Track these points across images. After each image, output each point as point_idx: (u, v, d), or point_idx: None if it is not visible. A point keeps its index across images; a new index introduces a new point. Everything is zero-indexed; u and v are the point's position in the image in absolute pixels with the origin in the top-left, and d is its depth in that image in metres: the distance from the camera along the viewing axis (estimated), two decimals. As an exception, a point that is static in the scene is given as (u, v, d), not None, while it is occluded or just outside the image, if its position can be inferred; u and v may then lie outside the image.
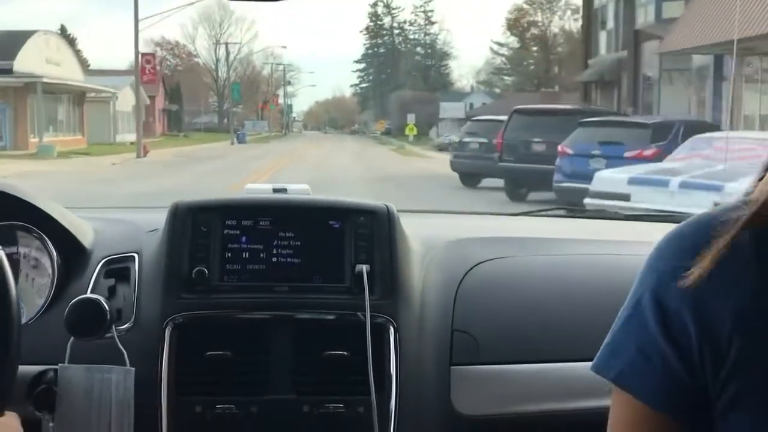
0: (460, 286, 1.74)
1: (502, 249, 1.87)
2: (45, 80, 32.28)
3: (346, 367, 1.61)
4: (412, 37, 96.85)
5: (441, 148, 53.87)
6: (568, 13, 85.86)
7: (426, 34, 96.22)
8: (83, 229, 1.80)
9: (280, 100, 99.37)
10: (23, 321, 1.25)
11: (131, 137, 52.11)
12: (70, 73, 37.58)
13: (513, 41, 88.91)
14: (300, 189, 1.85)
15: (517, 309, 1.73)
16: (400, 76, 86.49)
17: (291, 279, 1.66)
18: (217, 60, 66.59)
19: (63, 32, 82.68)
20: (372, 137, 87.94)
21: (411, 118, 51.76)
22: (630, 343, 0.88)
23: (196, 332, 1.62)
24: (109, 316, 1.56)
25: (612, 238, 2.09)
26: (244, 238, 1.67)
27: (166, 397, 1.58)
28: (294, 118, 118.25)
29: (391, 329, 1.63)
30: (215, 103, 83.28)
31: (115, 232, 1.85)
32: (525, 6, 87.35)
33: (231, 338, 1.62)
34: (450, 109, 64.89)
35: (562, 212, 2.74)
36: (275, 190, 1.83)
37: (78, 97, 40.24)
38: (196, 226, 1.67)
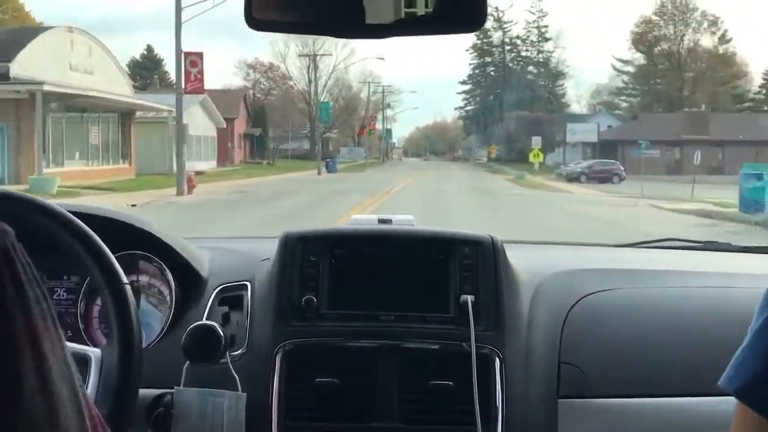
0: (568, 318, 1.72)
1: (610, 281, 1.84)
2: (50, 89, 23.86)
3: (452, 397, 1.62)
4: (524, 54, 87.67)
5: (570, 178, 44.89)
6: (705, 25, 76.44)
7: (539, 51, 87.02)
8: (200, 258, 1.86)
9: (379, 125, 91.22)
10: (143, 346, 1.32)
11: (204, 165, 44.98)
12: (109, 85, 29.15)
13: (639, 58, 79.64)
14: (405, 220, 1.90)
15: (627, 342, 1.69)
16: (512, 97, 77.09)
17: (396, 308, 1.69)
18: (310, 81, 58.52)
19: (149, 53, 77.63)
20: (479, 164, 79.37)
21: (537, 141, 42.40)
22: (757, 359, 0.89)
23: (305, 359, 1.66)
24: (223, 343, 1.59)
25: (724, 270, 2.02)
26: (351, 268, 1.71)
27: (276, 422, 1.62)
28: (394, 144, 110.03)
29: (497, 360, 1.63)
30: (307, 127, 75.54)
31: (229, 261, 1.89)
32: (654, 18, 77.76)
33: (338, 365, 1.65)
34: (580, 132, 54.94)
35: (671, 243, 2.44)
36: (380, 221, 1.88)
37: (123, 116, 32.23)
38: (306, 255, 1.71)
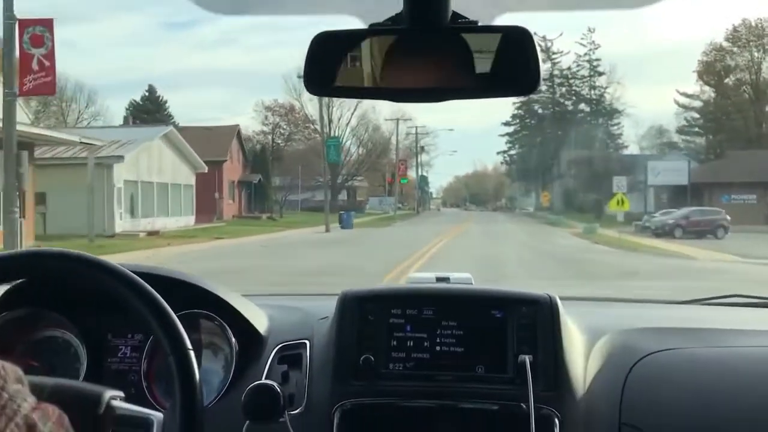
0: (628, 378, 1.68)
1: (673, 340, 1.81)
2: None
3: None
4: (575, 89, 77.21)
5: (660, 232, 34.34)
6: (786, 50, 66.14)
7: (592, 87, 76.57)
8: (259, 317, 1.87)
9: (412, 172, 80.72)
10: (204, 404, 1.39)
11: (175, 222, 34.36)
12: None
13: (708, 91, 69.17)
14: (462, 278, 1.92)
15: (689, 403, 1.65)
16: (564, 137, 66.67)
17: (454, 368, 1.69)
18: (321, 117, 48.28)
19: (151, 93, 69.07)
20: (526, 214, 68.65)
21: (620, 183, 31.49)
22: None
23: (363, 418, 1.67)
24: (282, 402, 1.60)
25: None
26: (408, 327, 1.72)
27: None
28: (431, 194, 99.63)
29: (556, 421, 1.61)
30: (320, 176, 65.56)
31: (288, 319, 1.91)
32: (725, 45, 67.51)
33: (396, 426, 1.67)
34: (664, 172, 44.00)
35: (737, 300, 2.37)
36: (438, 279, 1.90)
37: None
38: (364, 315, 1.73)
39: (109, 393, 1.15)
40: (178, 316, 1.28)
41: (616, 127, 75.72)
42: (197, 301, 1.77)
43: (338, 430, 1.63)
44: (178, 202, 35.90)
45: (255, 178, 51.25)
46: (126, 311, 1.26)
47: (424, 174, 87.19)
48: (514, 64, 1.17)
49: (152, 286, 1.26)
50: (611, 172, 52.53)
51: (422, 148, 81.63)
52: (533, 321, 1.69)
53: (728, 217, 34.17)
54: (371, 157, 70.44)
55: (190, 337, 1.25)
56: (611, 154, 61.60)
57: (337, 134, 60.44)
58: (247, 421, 1.58)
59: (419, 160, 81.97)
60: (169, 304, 1.27)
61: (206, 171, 38.64)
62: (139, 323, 1.26)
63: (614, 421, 1.61)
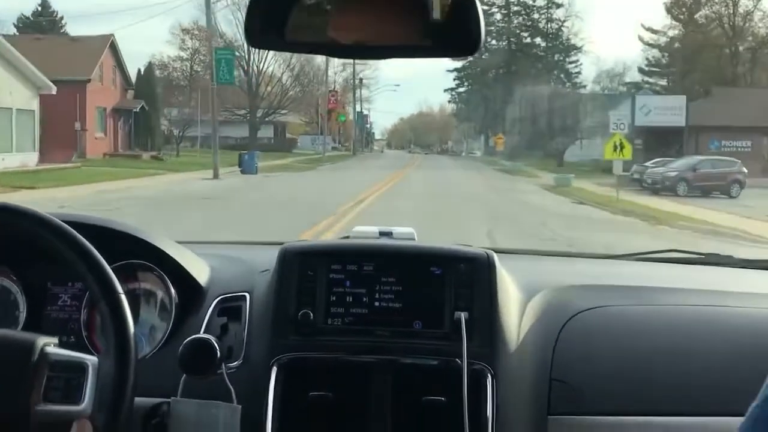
0: (560, 335, 1.73)
1: (606, 297, 1.85)
2: None
3: (444, 413, 1.63)
4: (532, 20, 68.92)
5: (658, 187, 26.59)
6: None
7: (549, 20, 68.53)
8: (200, 267, 1.87)
9: (351, 110, 71.23)
10: (141, 355, 1.36)
11: (9, 161, 26.21)
12: None
13: (677, 26, 61.97)
14: (405, 233, 1.91)
15: (620, 360, 1.70)
16: (517, 75, 58.65)
17: (392, 324, 1.70)
18: (210, 19, 36.69)
19: (45, 8, 59.40)
20: (474, 159, 61.15)
21: (618, 121, 23.52)
22: None
23: (300, 373, 1.68)
24: (219, 356, 1.60)
25: (729, 289, 1.98)
26: (348, 282, 1.72)
27: None
28: (373, 134, 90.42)
29: (489, 376, 1.64)
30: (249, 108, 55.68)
31: (229, 271, 1.90)
32: (696, -26, 60.05)
33: (333, 380, 1.67)
34: (657, 110, 36.44)
35: (672, 255, 2.38)
36: (381, 234, 1.90)
37: None
38: (303, 269, 1.72)
39: (43, 340, 1.21)
40: (114, 267, 1.31)
41: (573, 65, 68.22)
42: (135, 252, 1.77)
43: (275, 384, 1.63)
44: (7, 134, 26.85)
45: (137, 105, 41.22)
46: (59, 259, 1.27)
47: (365, 112, 77.82)
48: (458, 23, 1.17)
49: (86, 236, 1.28)
50: (576, 113, 45.13)
51: (360, 80, 72.09)
52: (470, 278, 1.70)
53: (745, 170, 26.64)
54: (301, 87, 60.80)
55: (127, 289, 1.27)
56: (574, 93, 54.11)
57: (261, 60, 50.83)
58: (184, 375, 1.59)
59: (358, 95, 72.53)
60: (104, 255, 1.29)
61: (54, 92, 29.35)
62: (72, 271, 1.27)
63: (545, 377, 1.66)
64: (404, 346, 1.67)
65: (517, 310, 1.76)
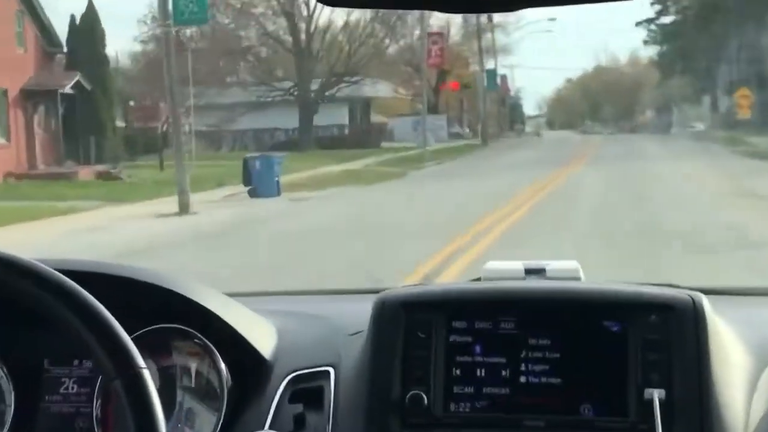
0: None
1: None
2: None
3: None
4: None
5: None
6: None
7: None
8: (263, 331, 1.49)
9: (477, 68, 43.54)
10: None
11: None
12: None
13: None
14: (565, 270, 1.48)
15: None
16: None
17: (548, 409, 1.33)
18: None
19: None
20: (697, 137, 37.56)
21: None
22: None
23: None
24: None
25: None
26: (478, 348, 1.36)
27: None
28: (520, 107, 62.70)
29: None
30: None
31: (304, 335, 1.53)
32: None
33: None
34: None
35: None
36: (529, 271, 1.47)
37: None
38: (411, 330, 1.36)
39: None
40: (140, 335, 1.07)
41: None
42: (167, 312, 1.39)
43: None
44: None
45: (69, 80, 24.58)
46: (59, 327, 0.97)
47: (501, 71, 48.28)
48: None
49: (92, 290, 0.97)
50: None
51: (489, 19, 41.88)
52: (667, 337, 1.31)
53: None
54: (386, 31, 36.77)
55: (159, 366, 1.02)
56: None
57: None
58: None
59: (490, 41, 45.02)
60: (124, 318, 0.99)
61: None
62: (77, 343, 0.97)
63: None
64: None
65: (743, 384, 1.33)
